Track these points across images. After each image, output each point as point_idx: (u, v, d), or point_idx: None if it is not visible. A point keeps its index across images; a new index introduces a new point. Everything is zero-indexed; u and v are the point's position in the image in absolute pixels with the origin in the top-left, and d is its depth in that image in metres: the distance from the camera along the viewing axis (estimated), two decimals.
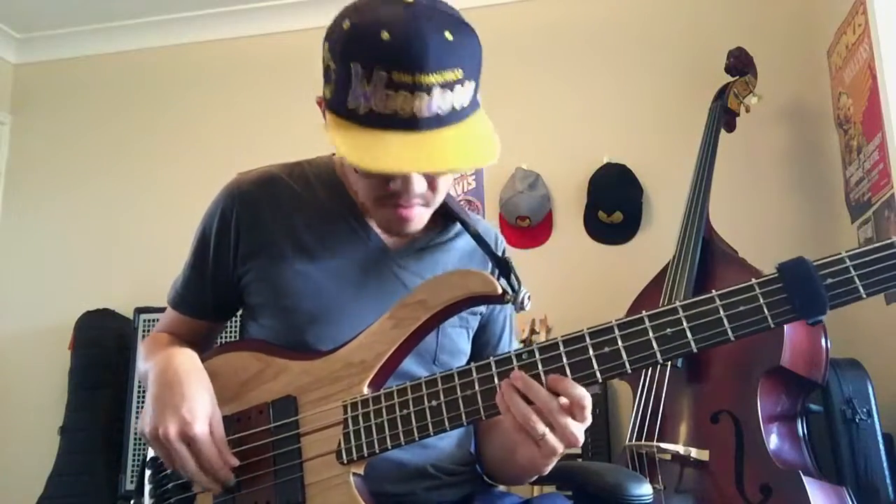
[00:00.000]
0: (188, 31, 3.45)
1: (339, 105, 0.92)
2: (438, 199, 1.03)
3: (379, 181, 0.98)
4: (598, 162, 2.90)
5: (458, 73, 0.89)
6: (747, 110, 2.53)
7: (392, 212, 1.00)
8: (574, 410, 0.85)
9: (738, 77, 2.53)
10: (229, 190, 1.12)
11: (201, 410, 0.94)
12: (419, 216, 1.02)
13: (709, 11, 2.95)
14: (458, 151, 0.90)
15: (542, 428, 0.85)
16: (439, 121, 0.89)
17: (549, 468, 0.93)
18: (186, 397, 0.95)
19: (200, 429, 0.93)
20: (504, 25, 3.07)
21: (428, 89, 0.87)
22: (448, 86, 0.88)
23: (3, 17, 3.44)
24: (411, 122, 0.88)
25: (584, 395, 0.85)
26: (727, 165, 2.52)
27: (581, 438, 0.87)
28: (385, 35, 0.86)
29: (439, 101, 0.88)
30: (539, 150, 2.95)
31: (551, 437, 0.86)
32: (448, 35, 0.88)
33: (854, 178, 2.42)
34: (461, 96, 0.90)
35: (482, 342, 1.19)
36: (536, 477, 1.00)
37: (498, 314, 1.20)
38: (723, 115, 2.48)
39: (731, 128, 2.55)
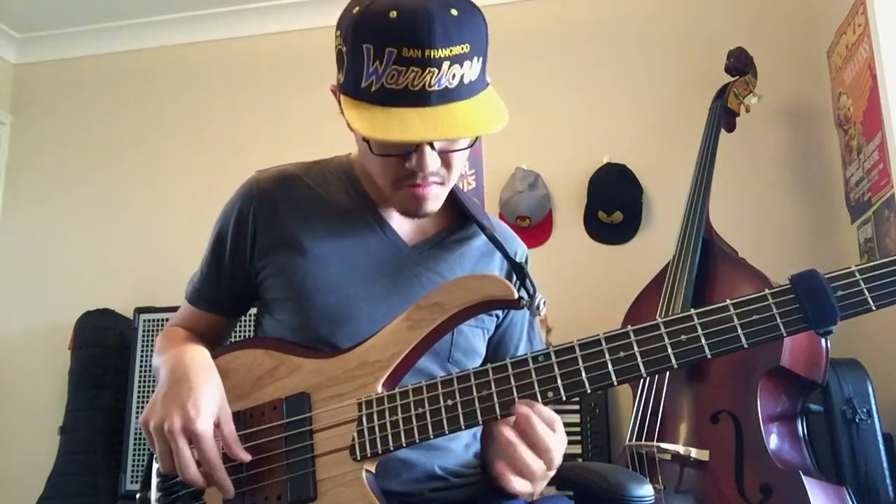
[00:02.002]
0: (188, 31, 3.45)
1: (351, 86, 0.95)
2: (454, 178, 1.05)
3: (395, 161, 0.99)
4: (598, 162, 2.90)
5: (466, 48, 0.92)
6: (747, 110, 2.53)
7: (409, 192, 1.02)
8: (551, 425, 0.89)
9: (738, 77, 2.53)
10: (247, 187, 1.13)
11: (207, 407, 0.94)
12: (435, 195, 1.04)
13: (709, 11, 2.95)
14: (468, 120, 0.93)
15: (536, 465, 0.88)
16: (449, 95, 0.92)
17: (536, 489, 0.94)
18: (193, 393, 0.95)
19: (203, 425, 0.92)
20: (504, 25, 3.06)
21: (437, 63, 0.90)
22: (456, 60, 0.91)
23: (3, 17, 3.44)
24: (422, 97, 0.91)
25: (550, 414, 0.89)
26: (727, 165, 2.52)
27: (558, 458, 0.90)
28: (393, 14, 0.90)
29: (448, 76, 0.91)
30: (539, 150, 2.95)
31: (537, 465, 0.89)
32: (454, 11, 0.91)
33: (854, 178, 2.42)
34: (469, 71, 0.93)
35: (502, 348, 1.19)
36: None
37: (515, 320, 1.20)
38: (723, 115, 2.48)
39: (731, 128, 2.54)
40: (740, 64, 2.53)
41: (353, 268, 1.08)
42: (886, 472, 1.93)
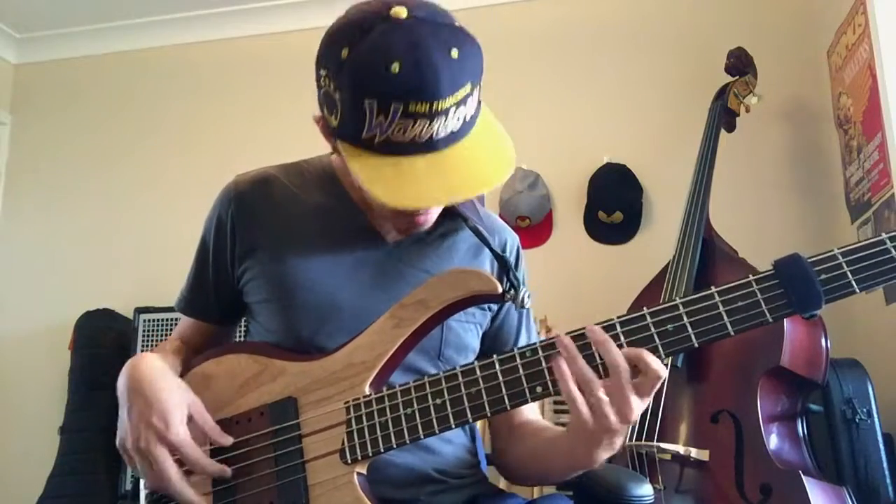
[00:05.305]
0: (188, 31, 3.45)
1: (351, 136, 0.92)
2: None
3: None
4: (598, 162, 2.90)
5: (468, 88, 0.90)
6: (747, 110, 2.53)
7: (410, 220, 1.03)
8: (640, 386, 0.84)
9: (738, 77, 2.52)
10: (225, 193, 1.13)
11: (172, 412, 0.94)
12: (433, 217, 1.05)
13: (709, 11, 2.95)
14: (480, 169, 0.93)
15: (602, 395, 0.84)
16: (454, 137, 0.91)
17: (601, 454, 0.90)
18: (152, 403, 0.95)
19: (175, 432, 0.93)
20: (504, 25, 3.06)
21: (445, 112, 0.88)
22: (461, 103, 0.90)
23: (3, 17, 3.45)
24: (429, 145, 0.90)
25: (660, 368, 0.84)
26: (727, 165, 2.52)
27: (636, 416, 0.85)
28: (395, 68, 0.85)
29: (453, 120, 0.90)
30: (539, 150, 2.94)
31: (608, 408, 0.84)
32: (454, 53, 0.88)
33: (854, 178, 2.42)
34: (471, 108, 0.92)
35: (500, 340, 1.18)
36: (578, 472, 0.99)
37: (511, 311, 1.18)
38: (723, 115, 2.47)
39: (731, 128, 2.54)
40: (740, 64, 2.52)
41: (334, 267, 1.07)
42: (886, 472, 1.93)
